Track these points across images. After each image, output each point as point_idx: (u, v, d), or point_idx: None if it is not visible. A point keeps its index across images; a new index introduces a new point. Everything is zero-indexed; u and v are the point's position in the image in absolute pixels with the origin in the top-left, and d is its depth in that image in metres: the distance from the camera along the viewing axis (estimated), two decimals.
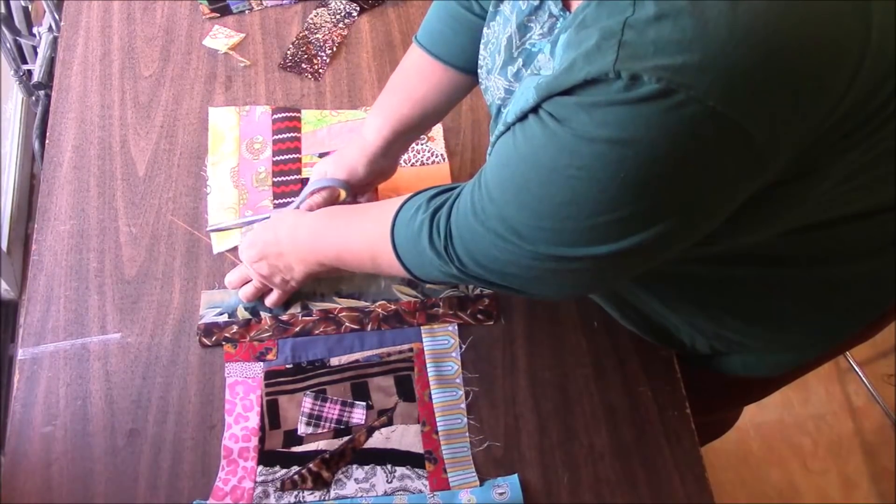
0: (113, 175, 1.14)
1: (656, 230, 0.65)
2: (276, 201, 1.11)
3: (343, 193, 1.05)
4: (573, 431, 0.97)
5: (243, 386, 0.99)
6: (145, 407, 0.97)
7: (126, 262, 1.07)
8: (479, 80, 0.92)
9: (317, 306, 1.04)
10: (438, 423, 0.97)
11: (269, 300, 1.02)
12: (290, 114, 1.18)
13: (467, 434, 0.97)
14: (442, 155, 1.16)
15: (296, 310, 1.04)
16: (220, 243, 1.08)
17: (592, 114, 0.60)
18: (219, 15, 1.30)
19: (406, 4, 1.31)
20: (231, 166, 1.14)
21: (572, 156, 0.62)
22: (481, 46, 0.91)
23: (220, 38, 1.27)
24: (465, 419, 0.97)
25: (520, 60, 0.81)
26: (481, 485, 0.93)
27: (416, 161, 1.15)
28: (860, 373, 1.98)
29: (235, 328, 1.02)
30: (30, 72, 1.89)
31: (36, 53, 1.89)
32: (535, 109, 0.66)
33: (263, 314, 1.03)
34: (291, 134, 1.17)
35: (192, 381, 0.99)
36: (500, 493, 0.93)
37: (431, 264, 0.80)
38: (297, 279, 0.99)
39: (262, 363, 1.00)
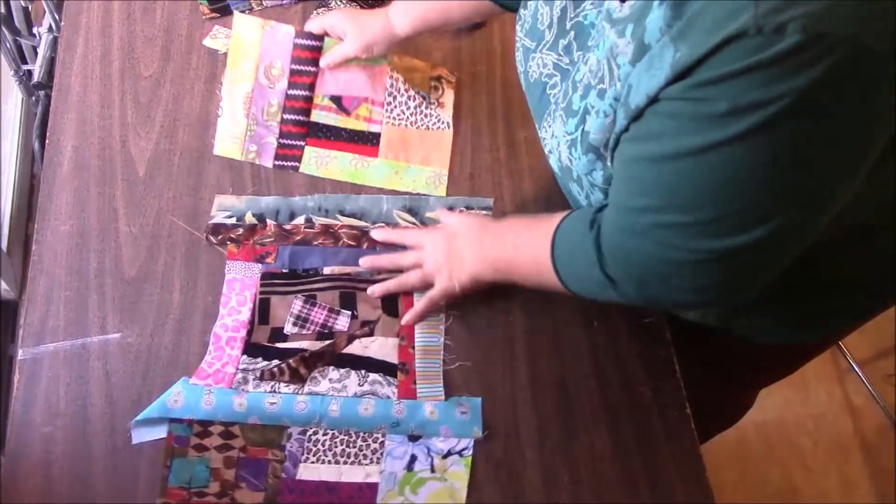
0: (113, 175, 1.14)
1: (813, 196, 0.63)
2: (281, 140, 1.14)
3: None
4: (573, 431, 0.97)
5: (240, 283, 1.04)
6: (145, 407, 0.97)
7: (126, 262, 1.07)
8: (516, 62, 0.94)
9: (319, 220, 1.09)
10: (416, 340, 1.01)
11: (423, 300, 1.01)
12: (313, 42, 1.17)
13: (441, 353, 1.01)
14: (448, 122, 1.17)
15: (299, 221, 1.09)
16: (221, 148, 1.14)
17: (734, 84, 0.58)
18: (219, 15, 1.30)
19: None
20: (245, 91, 1.16)
21: (718, 132, 0.61)
22: (517, 27, 0.92)
23: (220, 38, 1.27)
24: (442, 339, 1.02)
25: (572, 34, 0.81)
26: (446, 400, 0.97)
27: (422, 125, 1.17)
28: (860, 373, 1.98)
29: (241, 231, 1.08)
30: (30, 72, 1.89)
31: (36, 53, 1.89)
32: (654, 101, 0.65)
33: (269, 221, 1.09)
34: (309, 67, 1.16)
35: None
36: (462, 413, 0.96)
37: (592, 282, 0.81)
38: (461, 279, 0.99)
39: (260, 265, 1.06)
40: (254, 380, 0.98)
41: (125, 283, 1.05)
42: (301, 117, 1.16)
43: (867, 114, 0.60)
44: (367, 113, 1.17)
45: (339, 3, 1.32)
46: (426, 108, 1.18)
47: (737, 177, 0.63)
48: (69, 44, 1.26)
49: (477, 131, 1.20)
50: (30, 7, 1.91)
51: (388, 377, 0.99)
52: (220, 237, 1.08)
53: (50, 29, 1.82)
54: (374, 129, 1.16)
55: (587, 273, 0.81)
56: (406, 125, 1.17)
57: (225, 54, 1.25)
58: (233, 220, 1.09)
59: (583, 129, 0.78)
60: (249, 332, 1.01)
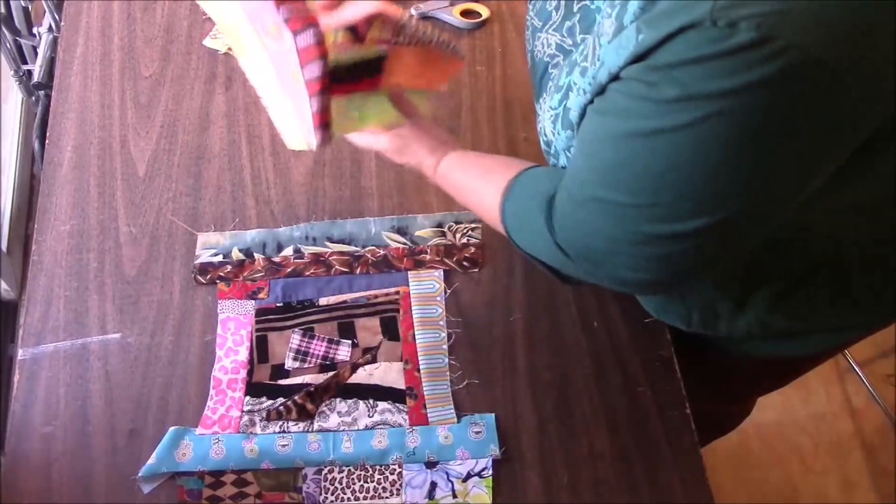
0: (113, 175, 1.14)
1: (755, 193, 0.63)
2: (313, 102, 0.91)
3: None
4: (573, 431, 0.97)
5: (234, 322, 1.02)
6: (145, 407, 0.97)
7: (126, 262, 1.07)
8: (525, 41, 0.93)
9: (308, 250, 1.07)
10: (421, 362, 1.00)
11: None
12: None
13: (448, 373, 1.00)
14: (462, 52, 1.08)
15: (288, 253, 1.07)
16: (291, 142, 0.92)
17: (685, 71, 0.59)
18: None
19: (406, 4, 1.31)
20: (270, 76, 0.92)
21: (666, 118, 0.61)
22: (529, 6, 0.92)
23: (220, 38, 1.27)
24: (447, 359, 1.01)
25: (577, 16, 0.81)
26: (458, 422, 0.96)
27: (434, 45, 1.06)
28: (860, 373, 1.98)
29: (229, 268, 1.06)
30: (30, 72, 1.89)
31: (36, 53, 1.89)
32: (616, 78, 0.65)
33: (257, 255, 1.07)
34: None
35: (192, 381, 0.99)
36: (477, 433, 0.96)
37: (542, 242, 0.79)
38: (416, 157, 0.95)
39: (253, 301, 1.04)
40: (261, 421, 0.96)
41: (125, 283, 1.05)
42: (318, 68, 0.89)
43: (814, 119, 0.60)
44: (377, 34, 0.95)
45: None
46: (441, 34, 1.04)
47: (679, 165, 0.63)
48: (69, 44, 1.26)
49: (477, 131, 1.19)
50: (30, 7, 1.91)
51: (398, 404, 0.98)
52: (208, 276, 1.05)
53: (50, 29, 1.82)
54: (382, 50, 0.96)
55: (539, 237, 0.80)
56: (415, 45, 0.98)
57: (225, 54, 1.25)
58: (219, 258, 1.07)
59: (565, 106, 0.79)
60: (250, 372, 1.00)
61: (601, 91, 0.69)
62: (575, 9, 0.82)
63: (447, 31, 1.10)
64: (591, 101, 0.72)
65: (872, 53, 0.58)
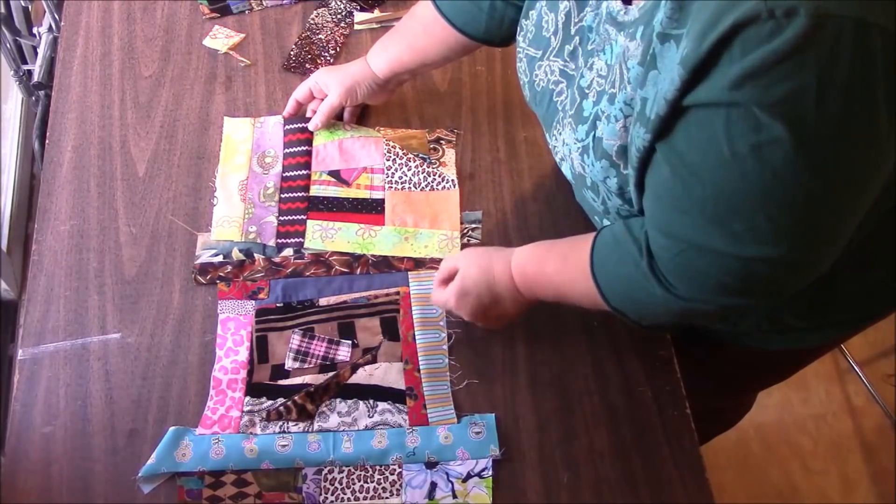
0: (113, 175, 1.14)
1: (847, 180, 0.62)
2: (281, 217, 1.10)
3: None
4: (573, 431, 0.97)
5: (235, 322, 1.03)
6: (145, 407, 0.97)
7: (126, 262, 1.07)
8: (519, 73, 0.94)
9: (308, 250, 1.08)
10: (420, 363, 1.01)
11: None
12: (302, 125, 1.17)
13: (448, 374, 1.00)
14: (453, 181, 1.14)
15: (288, 253, 1.07)
16: (218, 233, 1.09)
17: (756, 81, 0.58)
18: (219, 15, 1.30)
19: (406, 4, 1.31)
20: (240, 179, 1.13)
21: (758, 134, 0.60)
22: (519, 38, 0.91)
23: (220, 38, 1.27)
24: (447, 359, 1.01)
25: (577, 38, 0.81)
26: (458, 422, 0.97)
27: (427, 185, 1.14)
28: (860, 373, 1.98)
29: (230, 268, 1.06)
30: (30, 72, 1.89)
31: (36, 53, 1.89)
32: (679, 108, 0.64)
33: (257, 256, 1.07)
34: (303, 147, 1.16)
35: (192, 382, 0.99)
36: (477, 433, 0.96)
37: (666, 311, 0.78)
38: (511, 315, 0.97)
39: (253, 301, 1.04)
40: (261, 421, 0.96)
41: (125, 283, 1.05)
42: (300, 194, 1.12)
43: (890, 91, 0.59)
44: (367, 182, 1.14)
45: (339, 2, 1.32)
46: (427, 166, 1.15)
47: (780, 178, 0.62)
48: (69, 44, 1.26)
49: (477, 131, 1.20)
50: (30, 7, 1.90)
51: (398, 404, 0.98)
52: (208, 276, 1.05)
53: (50, 29, 1.82)
54: (377, 195, 1.12)
55: (654, 305, 0.78)
56: (410, 188, 1.13)
57: (225, 54, 1.25)
58: (219, 259, 1.07)
59: (594, 135, 0.78)
60: (250, 373, 0.99)
61: (662, 129, 0.67)
62: (572, 31, 0.81)
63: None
64: (652, 148, 0.69)
65: None
